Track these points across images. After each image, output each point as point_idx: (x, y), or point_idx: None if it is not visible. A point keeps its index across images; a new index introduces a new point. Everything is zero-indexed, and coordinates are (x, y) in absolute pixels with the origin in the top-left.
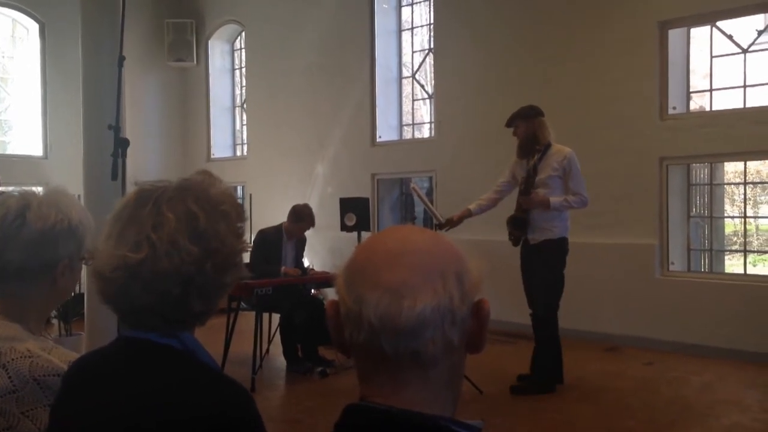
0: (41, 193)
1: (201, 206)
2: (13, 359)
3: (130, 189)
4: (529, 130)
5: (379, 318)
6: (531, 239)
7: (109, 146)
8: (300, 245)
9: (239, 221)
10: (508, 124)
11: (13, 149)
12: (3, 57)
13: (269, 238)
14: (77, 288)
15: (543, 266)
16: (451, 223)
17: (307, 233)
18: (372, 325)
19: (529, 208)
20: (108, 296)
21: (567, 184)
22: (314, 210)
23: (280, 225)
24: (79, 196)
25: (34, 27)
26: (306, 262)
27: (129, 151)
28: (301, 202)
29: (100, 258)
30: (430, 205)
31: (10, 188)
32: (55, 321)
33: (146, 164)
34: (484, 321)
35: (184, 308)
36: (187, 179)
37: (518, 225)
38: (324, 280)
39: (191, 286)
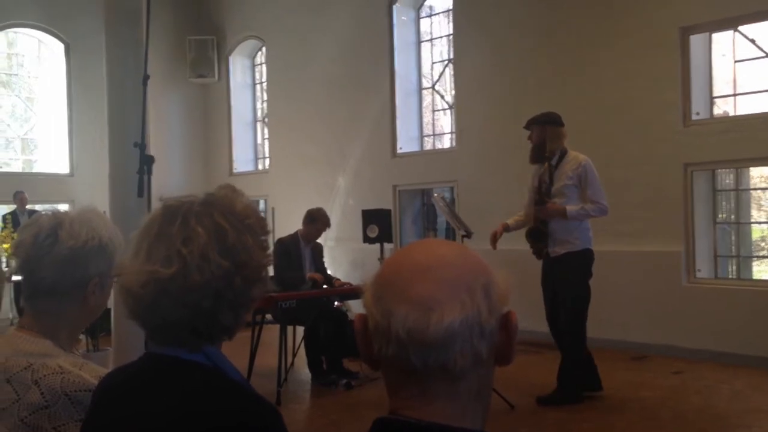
0: (73, 212)
1: (228, 220)
2: (45, 375)
3: (156, 205)
4: (540, 136)
5: (408, 331)
6: (552, 252)
7: (134, 163)
8: (317, 251)
9: (263, 235)
10: (526, 127)
11: (39, 167)
12: (29, 77)
13: (288, 246)
14: None
15: (567, 280)
16: (493, 241)
17: (330, 245)
18: (400, 338)
19: (545, 218)
20: (137, 312)
21: (584, 192)
22: (336, 222)
23: (296, 232)
24: (104, 212)
25: (59, 47)
26: (329, 272)
27: (154, 167)
28: None
29: (129, 274)
30: (455, 215)
31: (37, 206)
32: (82, 336)
33: (169, 179)
34: (512, 333)
35: (214, 322)
36: (212, 194)
37: (537, 237)
38: (348, 291)
39: (221, 299)
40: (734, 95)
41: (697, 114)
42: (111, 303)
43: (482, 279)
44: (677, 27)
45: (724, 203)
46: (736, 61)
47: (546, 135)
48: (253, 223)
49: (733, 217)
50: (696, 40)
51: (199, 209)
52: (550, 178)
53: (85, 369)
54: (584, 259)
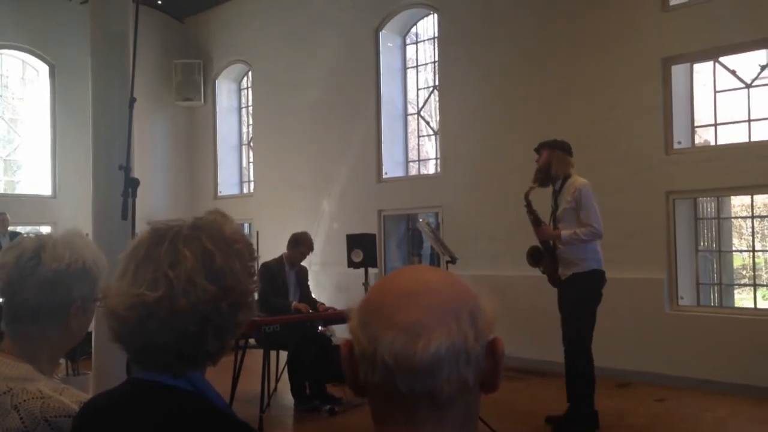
0: (56, 235)
1: (216, 245)
2: (24, 400)
3: (140, 228)
4: (547, 159)
5: (394, 357)
6: (562, 274)
7: (118, 185)
8: (302, 275)
9: (251, 260)
10: (536, 150)
11: (22, 189)
12: (13, 98)
13: (273, 270)
14: None
15: (573, 300)
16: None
17: (315, 269)
18: (387, 364)
19: (542, 240)
20: (121, 335)
21: (579, 216)
22: (321, 246)
23: (281, 255)
24: (87, 235)
25: (44, 69)
26: (314, 296)
27: (138, 190)
28: None
29: (114, 297)
30: (440, 241)
31: (19, 228)
32: (62, 360)
33: (154, 202)
34: (499, 360)
35: (199, 347)
36: (200, 218)
37: (535, 257)
38: (332, 316)
39: (208, 324)
40: (715, 125)
41: (679, 143)
42: (92, 326)
43: (469, 305)
44: (659, 57)
45: (705, 231)
46: (716, 92)
47: (552, 159)
48: (242, 248)
49: (714, 245)
50: (678, 71)
51: (187, 233)
52: (555, 204)
53: (66, 394)
54: (590, 280)
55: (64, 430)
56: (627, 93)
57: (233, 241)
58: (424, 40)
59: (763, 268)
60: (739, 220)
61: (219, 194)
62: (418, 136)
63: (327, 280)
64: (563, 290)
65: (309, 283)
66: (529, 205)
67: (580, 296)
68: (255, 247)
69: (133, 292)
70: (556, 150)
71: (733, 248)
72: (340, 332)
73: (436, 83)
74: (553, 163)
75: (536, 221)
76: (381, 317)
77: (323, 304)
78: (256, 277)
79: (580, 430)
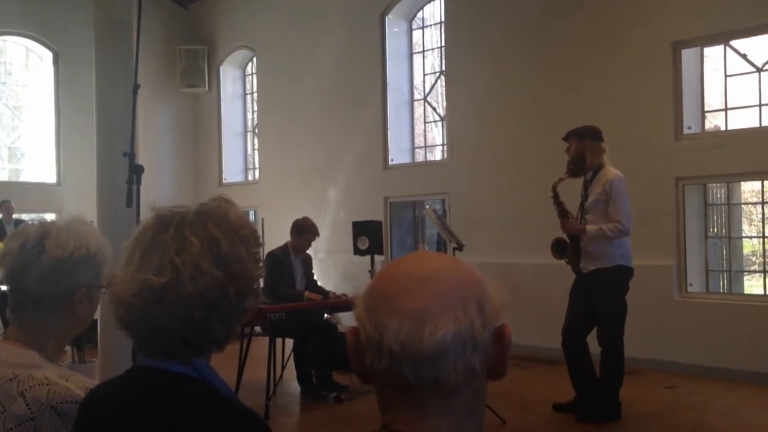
0: (60, 222)
1: (222, 231)
2: (31, 386)
3: (145, 215)
4: (579, 149)
5: (401, 345)
6: (584, 268)
7: (122, 173)
8: (307, 263)
9: (256, 247)
10: (564, 139)
11: (26, 176)
12: (17, 85)
13: (279, 258)
14: None
15: (602, 296)
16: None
17: (320, 257)
18: (393, 352)
19: (567, 233)
20: (127, 322)
21: (608, 209)
22: (327, 234)
23: (285, 244)
24: (92, 222)
25: (47, 55)
26: (319, 284)
27: (143, 177)
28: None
29: (120, 284)
30: (447, 228)
31: (24, 215)
32: (68, 348)
33: (158, 190)
34: (506, 347)
35: (205, 334)
36: (205, 204)
37: (560, 250)
38: (339, 303)
39: (214, 311)
40: (725, 110)
41: (689, 128)
42: (98, 314)
43: (476, 292)
44: (669, 41)
45: (715, 217)
46: (727, 76)
47: (585, 148)
48: (247, 234)
49: (724, 231)
50: (688, 55)
51: (192, 219)
52: (585, 194)
53: (72, 380)
54: (615, 276)
55: (71, 417)
56: (636, 77)
57: (239, 227)
58: (430, 25)
59: None
60: (749, 206)
61: (224, 181)
62: (425, 122)
63: (333, 268)
64: (584, 283)
65: (314, 271)
66: (556, 196)
67: (609, 292)
68: (260, 234)
69: (140, 279)
70: (586, 139)
71: (743, 234)
72: (345, 320)
73: (443, 68)
74: (587, 153)
75: (563, 213)
76: (387, 304)
77: (334, 292)
78: (261, 264)
79: (605, 420)
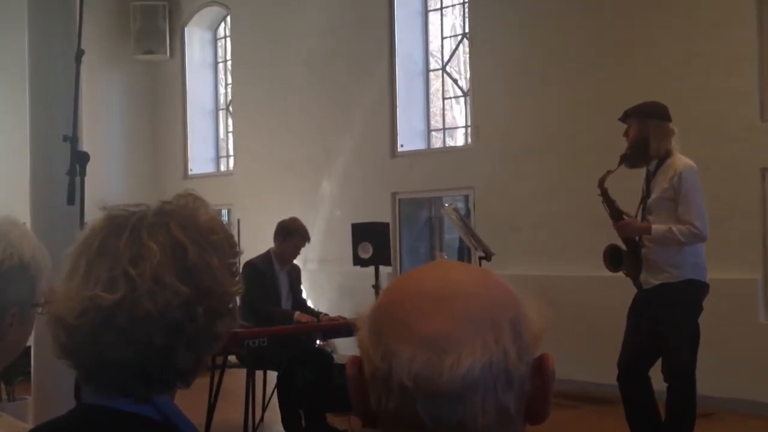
0: None
1: (189, 235)
2: None
3: (93, 215)
4: (640, 133)
5: (415, 379)
6: (645, 282)
7: (62, 161)
8: (294, 275)
9: (232, 256)
10: (621, 119)
11: None
12: None
13: (260, 269)
14: None
15: (664, 321)
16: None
17: (311, 268)
18: (405, 387)
19: (624, 236)
20: (70, 349)
21: (678, 208)
22: (319, 238)
23: (268, 251)
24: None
25: None
26: (309, 303)
27: (88, 167)
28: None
29: (61, 301)
30: (471, 231)
31: None
32: None
33: (108, 183)
34: (548, 382)
35: (167, 364)
36: (168, 202)
37: (616, 260)
38: (335, 327)
39: (178, 335)
40: None
41: None
42: (31, 340)
43: (510, 313)
44: None
45: None
46: None
47: (648, 131)
48: (220, 240)
49: None
50: None
51: (152, 221)
52: (648, 188)
53: (1, 423)
54: (685, 293)
55: None
56: (711, 42)
57: (210, 231)
58: None
59: None
60: None
61: (190, 173)
62: (443, 99)
63: (327, 282)
64: (645, 301)
65: (302, 287)
66: (604, 193)
67: (674, 315)
68: (236, 240)
69: (85, 295)
70: (650, 119)
71: None
72: (344, 348)
73: (466, 31)
74: (651, 137)
75: (615, 214)
76: (398, 328)
77: (327, 314)
78: (238, 278)
79: None
